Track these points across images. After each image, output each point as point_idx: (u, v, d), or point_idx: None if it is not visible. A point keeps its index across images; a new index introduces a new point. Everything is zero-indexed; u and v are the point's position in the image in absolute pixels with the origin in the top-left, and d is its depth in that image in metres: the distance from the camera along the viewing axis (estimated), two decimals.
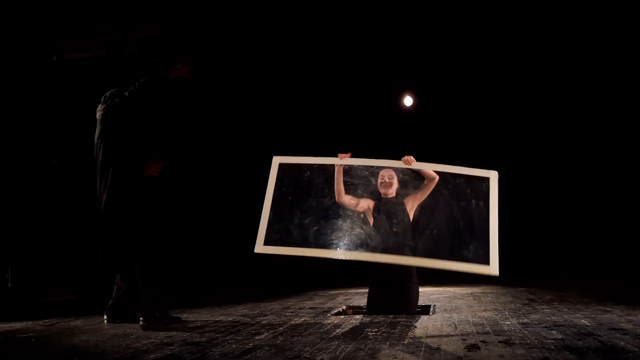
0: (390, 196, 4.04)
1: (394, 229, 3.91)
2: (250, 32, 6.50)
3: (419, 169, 3.97)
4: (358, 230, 3.95)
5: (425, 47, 7.05)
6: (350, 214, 3.99)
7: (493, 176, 3.83)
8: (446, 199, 3.90)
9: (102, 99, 4.04)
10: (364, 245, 3.88)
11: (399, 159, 4.03)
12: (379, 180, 4.06)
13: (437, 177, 3.91)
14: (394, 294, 4.04)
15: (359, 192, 4.08)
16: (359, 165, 4.08)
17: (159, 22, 6.39)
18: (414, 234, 3.93)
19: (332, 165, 4.05)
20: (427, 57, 7.29)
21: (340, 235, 3.90)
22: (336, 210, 3.99)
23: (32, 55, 6.54)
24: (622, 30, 6.42)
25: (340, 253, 3.84)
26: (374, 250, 3.86)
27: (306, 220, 3.95)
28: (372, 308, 4.16)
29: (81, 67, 6.84)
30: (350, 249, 3.86)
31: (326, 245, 3.86)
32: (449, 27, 6.42)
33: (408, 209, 3.98)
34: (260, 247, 3.88)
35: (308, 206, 4.01)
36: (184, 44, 6.55)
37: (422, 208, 3.99)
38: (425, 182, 3.96)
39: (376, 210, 4.00)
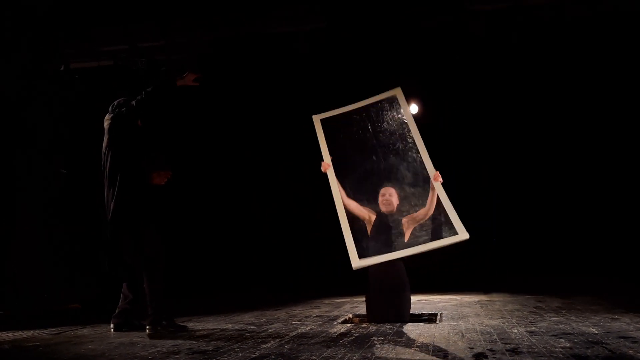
0: (390, 212, 4.20)
1: (390, 244, 4.05)
2: (254, 40, 6.53)
3: (433, 191, 4.01)
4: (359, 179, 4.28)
5: (431, 55, 7.06)
6: (367, 166, 4.28)
7: (462, 235, 3.76)
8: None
9: (110, 108, 4.07)
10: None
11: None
12: (380, 198, 4.23)
13: (430, 214, 4.03)
14: (387, 302, 4.12)
15: (365, 202, 4.26)
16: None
17: (165, 32, 6.44)
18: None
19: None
20: (433, 64, 7.30)
21: (351, 168, 4.25)
22: (369, 153, 4.29)
23: (41, 64, 6.60)
24: (628, 41, 6.43)
25: (331, 173, 4.12)
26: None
27: (351, 135, 4.28)
28: (370, 315, 4.23)
29: (88, 77, 6.89)
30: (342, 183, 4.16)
31: (333, 159, 4.20)
32: (455, 35, 6.44)
33: (404, 229, 4.12)
34: (317, 118, 4.29)
35: (363, 133, 4.29)
36: (190, 53, 6.58)
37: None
38: (422, 212, 4.07)
39: (376, 223, 4.17)
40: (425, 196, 4.08)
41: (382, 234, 4.11)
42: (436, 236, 3.88)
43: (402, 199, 4.24)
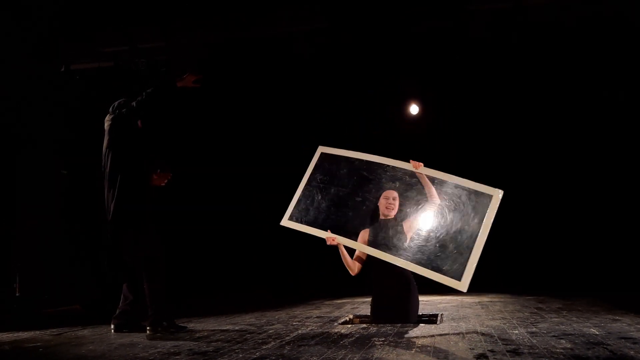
0: (389, 218, 4.06)
1: (391, 246, 3.94)
2: (254, 40, 6.54)
3: (425, 175, 3.98)
4: (362, 221, 4.16)
5: (431, 55, 7.06)
6: (359, 206, 4.21)
7: (496, 195, 3.82)
8: (441, 206, 3.92)
9: (110, 109, 4.07)
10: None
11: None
12: (383, 201, 4.08)
13: (438, 203, 3.90)
14: (394, 303, 4.06)
15: (355, 223, 4.17)
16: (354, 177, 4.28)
17: (165, 33, 6.45)
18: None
19: (368, 162, 4.29)
20: (433, 64, 7.29)
21: (344, 222, 4.16)
22: (348, 201, 4.25)
23: (41, 65, 6.61)
24: (629, 41, 6.42)
25: (339, 237, 4.02)
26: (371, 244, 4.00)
27: (323, 204, 4.30)
28: (374, 317, 4.18)
29: (89, 78, 6.89)
30: (347, 236, 4.05)
31: (328, 228, 4.09)
32: (456, 35, 6.44)
33: (405, 230, 3.97)
34: (285, 221, 4.33)
35: (329, 192, 4.33)
36: (191, 54, 6.59)
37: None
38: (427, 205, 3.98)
39: (372, 235, 4.03)
40: (422, 190, 4.00)
41: (382, 237, 3.97)
42: (434, 264, 3.70)
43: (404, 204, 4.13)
